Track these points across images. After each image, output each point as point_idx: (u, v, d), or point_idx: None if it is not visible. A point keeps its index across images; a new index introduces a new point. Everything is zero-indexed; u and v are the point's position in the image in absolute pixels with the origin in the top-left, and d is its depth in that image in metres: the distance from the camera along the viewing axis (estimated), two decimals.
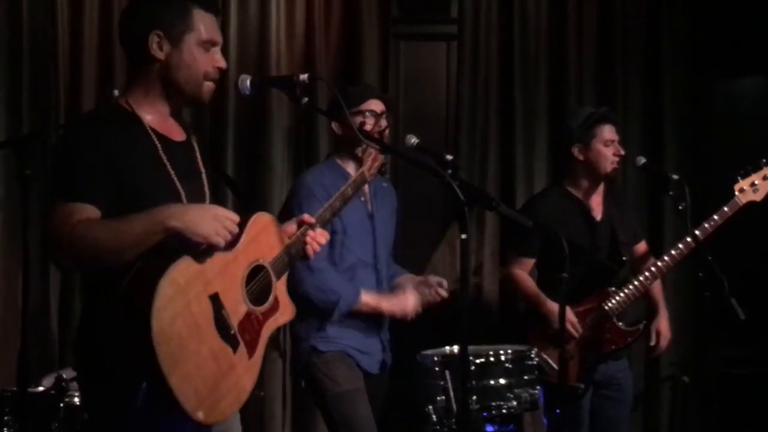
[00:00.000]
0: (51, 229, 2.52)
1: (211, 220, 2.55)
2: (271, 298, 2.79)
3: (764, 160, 4.27)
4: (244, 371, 2.67)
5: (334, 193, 3.11)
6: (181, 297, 2.50)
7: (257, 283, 2.76)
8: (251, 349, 2.70)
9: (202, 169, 2.79)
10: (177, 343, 2.48)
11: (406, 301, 3.81)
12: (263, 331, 2.76)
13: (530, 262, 4.35)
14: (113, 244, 2.49)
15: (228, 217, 2.59)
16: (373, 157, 3.40)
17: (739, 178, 4.26)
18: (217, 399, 2.57)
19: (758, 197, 4.24)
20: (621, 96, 5.56)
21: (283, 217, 3.86)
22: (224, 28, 5.12)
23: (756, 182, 4.23)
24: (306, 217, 3.00)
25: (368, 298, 3.78)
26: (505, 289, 4.65)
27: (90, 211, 2.53)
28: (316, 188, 3.74)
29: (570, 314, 4.14)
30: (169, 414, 2.50)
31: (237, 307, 2.67)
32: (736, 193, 4.24)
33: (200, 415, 2.51)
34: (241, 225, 2.68)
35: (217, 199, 2.87)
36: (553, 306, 4.16)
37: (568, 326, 4.13)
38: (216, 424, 2.62)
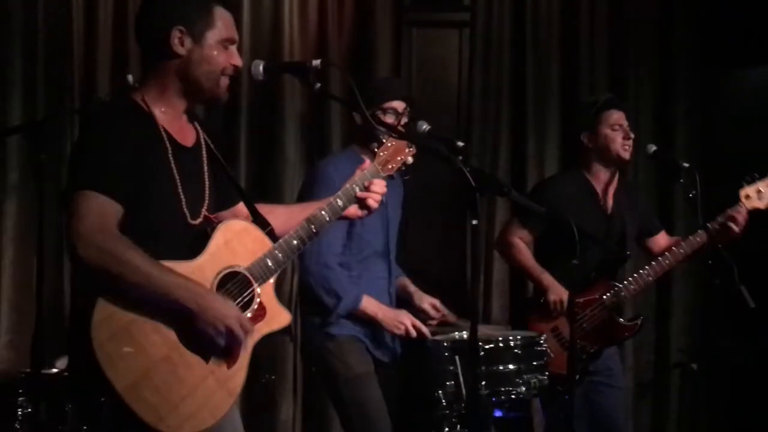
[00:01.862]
0: (84, 223, 2.46)
1: (221, 328, 2.57)
2: (254, 305, 2.71)
3: None
4: (222, 381, 2.62)
5: None
6: (124, 312, 2.48)
7: (233, 289, 2.69)
8: (230, 359, 2.64)
9: (206, 175, 2.77)
10: (119, 356, 2.45)
11: (403, 318, 3.83)
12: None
13: (532, 235, 4.32)
14: (140, 279, 2.48)
15: (240, 329, 2.60)
16: (393, 151, 3.06)
17: (744, 183, 4.25)
18: (187, 411, 2.53)
19: (763, 205, 4.22)
20: (633, 84, 5.57)
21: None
22: (237, 14, 5.13)
23: (762, 190, 4.23)
24: (366, 163, 2.98)
25: (367, 307, 3.80)
26: (501, 256, 4.61)
27: (118, 212, 2.52)
28: (335, 174, 3.72)
29: (561, 290, 4.16)
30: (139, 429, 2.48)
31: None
32: (742, 199, 4.23)
33: (164, 429, 2.49)
34: (207, 235, 2.66)
35: (223, 200, 2.86)
36: (549, 279, 4.18)
37: (556, 301, 4.15)
38: None
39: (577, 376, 4.16)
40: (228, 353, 2.63)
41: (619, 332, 4.28)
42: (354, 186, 2.95)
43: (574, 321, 3.78)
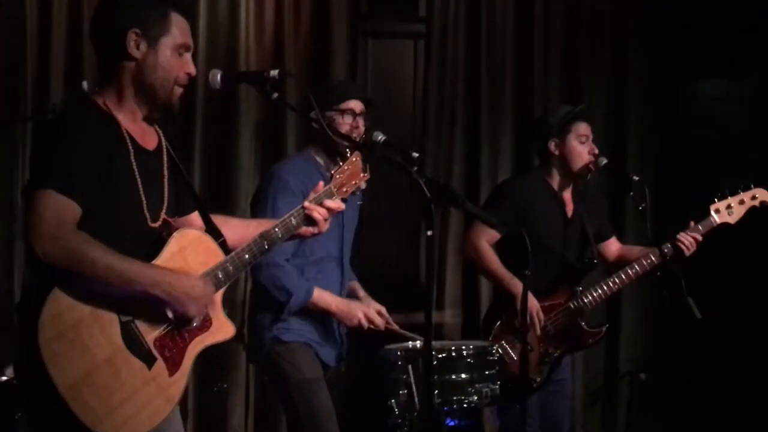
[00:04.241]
0: (41, 220, 2.47)
1: (193, 301, 2.64)
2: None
3: (742, 186, 4.37)
4: (162, 388, 2.63)
5: (310, 186, 3.06)
6: (72, 311, 2.49)
7: None
8: (173, 367, 2.65)
9: (166, 179, 2.78)
10: (64, 355, 2.46)
11: (356, 310, 3.85)
12: (189, 349, 2.70)
13: (496, 235, 4.29)
14: (100, 271, 2.49)
15: (206, 300, 2.67)
16: (349, 174, 3.06)
17: (716, 199, 4.35)
18: (125, 415, 2.54)
19: (732, 220, 4.33)
20: (586, 96, 5.63)
21: (255, 209, 3.90)
22: (193, 23, 5.12)
23: (732, 205, 4.34)
24: (320, 185, 2.99)
25: (319, 299, 3.81)
26: (467, 260, 4.53)
27: (76, 212, 2.52)
28: (291, 180, 3.74)
29: (536, 304, 4.18)
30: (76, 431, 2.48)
31: (153, 323, 2.62)
32: (712, 213, 4.32)
33: (101, 430, 2.49)
34: (163, 241, 2.68)
35: (180, 205, 2.87)
36: (519, 285, 4.13)
37: (533, 319, 4.17)
38: None
39: (539, 380, 4.22)
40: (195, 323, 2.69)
41: (584, 338, 4.33)
42: (321, 196, 2.96)
43: (525, 328, 3.81)
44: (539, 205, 4.31)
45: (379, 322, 3.88)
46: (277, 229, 2.89)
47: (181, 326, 2.66)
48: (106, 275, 2.50)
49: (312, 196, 2.98)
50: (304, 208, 2.93)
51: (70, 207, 2.51)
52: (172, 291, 2.60)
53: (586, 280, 4.37)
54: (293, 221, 2.92)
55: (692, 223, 4.31)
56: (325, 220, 2.95)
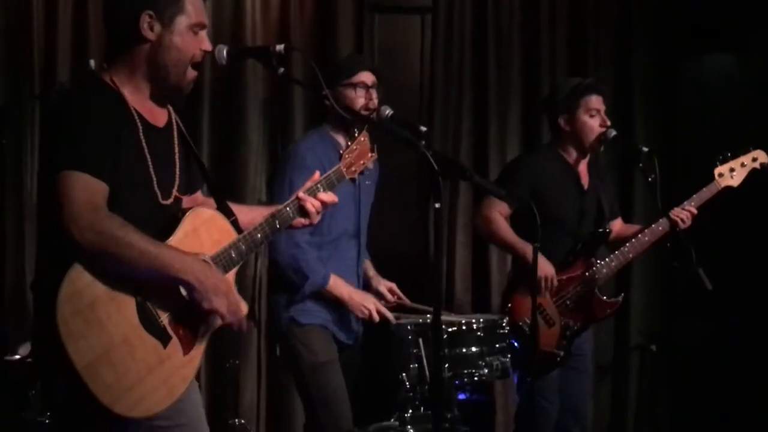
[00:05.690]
0: (74, 203, 2.45)
1: (222, 296, 2.63)
2: None
3: (743, 149, 4.37)
4: (177, 367, 2.64)
5: (326, 162, 3.05)
6: (90, 289, 2.49)
7: None
8: (187, 345, 2.66)
9: (177, 156, 2.77)
10: (81, 333, 2.45)
11: (369, 303, 3.87)
12: (202, 327, 2.71)
13: (507, 209, 4.28)
14: (135, 255, 2.49)
15: (235, 306, 2.68)
16: (357, 154, 3.09)
17: (718, 163, 4.35)
18: (141, 393, 2.54)
19: (735, 183, 4.35)
20: (592, 70, 5.62)
21: (271, 186, 3.92)
22: None
23: (734, 168, 4.34)
24: (316, 175, 3.00)
25: (334, 287, 3.83)
26: (479, 233, 4.54)
27: (105, 192, 2.52)
28: (309, 157, 3.76)
29: (548, 266, 4.16)
30: (92, 409, 2.48)
31: (168, 301, 2.62)
32: (716, 177, 4.33)
33: (118, 409, 2.48)
34: (177, 219, 2.68)
35: (192, 182, 2.87)
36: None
37: (543, 278, 4.15)
38: (142, 418, 2.55)
39: (562, 354, 4.22)
40: (210, 322, 2.69)
41: (600, 309, 4.32)
42: (318, 186, 2.97)
43: (536, 300, 3.81)
44: (553, 179, 4.29)
45: (389, 317, 3.90)
46: (288, 209, 2.90)
47: (195, 313, 2.65)
48: (141, 259, 2.49)
49: (322, 176, 2.98)
50: (298, 198, 2.92)
51: (99, 187, 2.51)
52: (205, 280, 2.60)
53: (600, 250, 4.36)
54: (292, 209, 2.92)
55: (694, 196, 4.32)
56: (318, 212, 2.94)
